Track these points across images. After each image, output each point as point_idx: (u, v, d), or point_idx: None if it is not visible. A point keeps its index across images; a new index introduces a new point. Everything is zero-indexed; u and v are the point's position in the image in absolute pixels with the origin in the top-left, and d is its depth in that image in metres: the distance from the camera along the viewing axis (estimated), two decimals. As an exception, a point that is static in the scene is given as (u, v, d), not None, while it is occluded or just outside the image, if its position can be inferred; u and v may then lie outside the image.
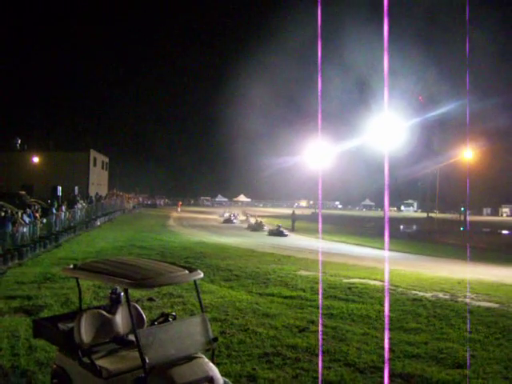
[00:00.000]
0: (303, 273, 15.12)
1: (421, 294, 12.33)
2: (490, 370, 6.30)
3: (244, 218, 49.50)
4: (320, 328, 8.30)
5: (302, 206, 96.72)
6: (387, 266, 19.75)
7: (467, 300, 11.80)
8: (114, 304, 5.63)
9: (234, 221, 46.49)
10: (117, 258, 5.84)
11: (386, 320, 9.32)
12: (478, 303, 11.47)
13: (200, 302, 5.23)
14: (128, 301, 4.76)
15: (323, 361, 6.60)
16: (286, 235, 35.00)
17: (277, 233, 35.50)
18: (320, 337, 7.72)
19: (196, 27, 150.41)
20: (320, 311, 9.70)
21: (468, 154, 45.92)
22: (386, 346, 7.51)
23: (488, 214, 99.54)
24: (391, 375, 6.12)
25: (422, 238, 41.46)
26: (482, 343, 7.78)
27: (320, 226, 39.20)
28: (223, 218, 49.31)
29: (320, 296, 11.33)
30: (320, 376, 6.00)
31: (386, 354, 6.94)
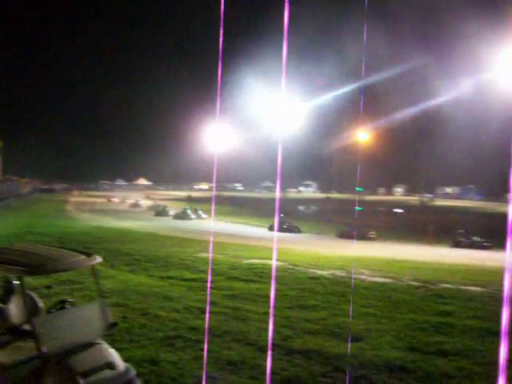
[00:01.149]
0: (204, 255, 15.15)
1: (319, 272, 12.74)
2: (382, 341, 6.63)
3: (151, 202, 48.83)
4: (208, 309, 8.36)
5: (203, 189, 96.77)
6: (275, 245, 20.21)
7: (363, 276, 12.35)
8: (7, 293, 5.35)
9: (139, 204, 45.76)
10: (10, 246, 5.53)
11: (271, 299, 9.54)
12: (372, 279, 12.03)
13: (98, 288, 5.09)
14: (22, 289, 4.53)
15: (224, 341, 6.65)
16: (192, 218, 34.97)
17: (183, 216, 35.37)
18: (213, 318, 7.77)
19: None
20: (208, 291, 9.77)
21: (361, 136, 47.67)
22: (271, 326, 7.69)
23: (383, 194, 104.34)
24: (291, 352, 6.28)
25: (320, 218, 42.81)
26: (376, 316, 8.16)
27: (214, 207, 39.33)
28: (128, 202, 48.39)
29: (209, 278, 11.40)
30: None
31: (270, 332, 7.10)
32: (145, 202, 48.20)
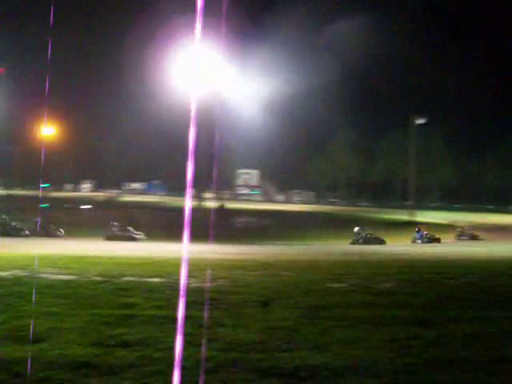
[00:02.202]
0: None
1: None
2: (66, 340, 6.54)
3: None
4: None
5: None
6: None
7: (45, 275, 11.93)
8: None
9: None
10: None
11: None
12: (57, 277, 11.73)
13: None
14: None
15: None
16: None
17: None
18: None
19: None
20: None
21: (47, 130, 45.97)
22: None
23: (69, 190, 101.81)
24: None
25: None
26: (61, 315, 7.99)
27: None
28: None
29: None
30: None
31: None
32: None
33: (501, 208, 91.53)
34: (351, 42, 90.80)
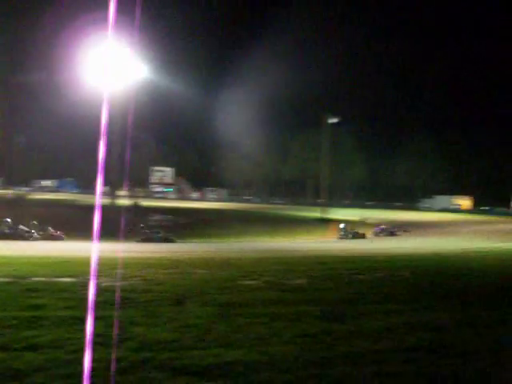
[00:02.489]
0: None
1: None
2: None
3: None
4: None
5: None
6: None
7: None
8: None
9: None
10: None
11: None
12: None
13: None
14: None
15: None
16: None
17: None
18: None
19: None
20: None
21: None
22: None
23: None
24: None
25: None
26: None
27: None
28: None
29: None
30: None
31: None
32: None
33: (410, 205, 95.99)
34: (264, 43, 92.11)
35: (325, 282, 11.63)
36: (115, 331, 6.33)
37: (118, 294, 8.60)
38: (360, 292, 10.36)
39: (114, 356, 5.43)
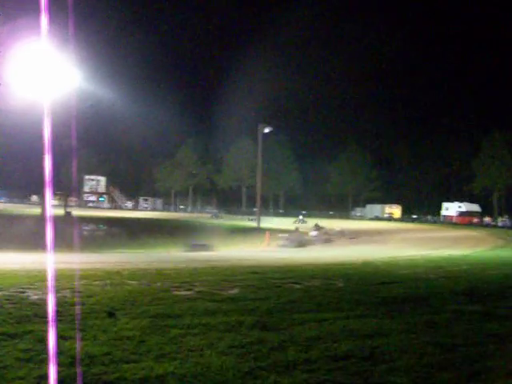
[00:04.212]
0: None
1: None
2: None
3: None
4: None
5: None
6: None
7: None
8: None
9: None
10: None
11: None
12: None
13: None
14: None
15: None
16: None
17: None
18: None
19: None
20: None
21: None
22: None
23: None
24: None
25: None
26: None
27: None
28: None
29: None
30: None
31: None
32: None
33: (342, 214, 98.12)
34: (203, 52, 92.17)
35: (258, 291, 11.69)
36: (44, 346, 6.15)
37: (47, 307, 8.35)
38: (293, 300, 10.48)
39: (42, 372, 5.28)
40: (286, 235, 41.02)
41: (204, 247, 35.05)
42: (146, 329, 7.62)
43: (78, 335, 7.07)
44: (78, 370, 5.59)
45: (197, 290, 11.59)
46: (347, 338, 7.48)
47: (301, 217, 41.31)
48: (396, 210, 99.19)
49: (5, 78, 35.34)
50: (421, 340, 7.56)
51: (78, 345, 6.57)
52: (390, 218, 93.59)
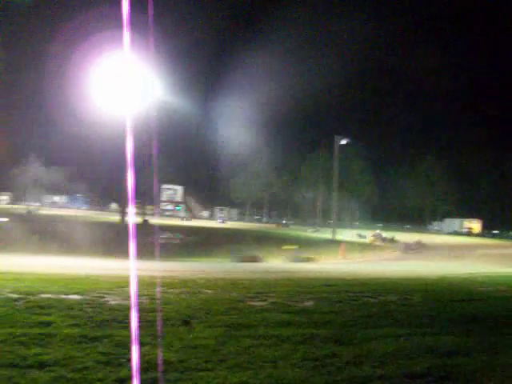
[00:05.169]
0: None
1: None
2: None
3: None
4: None
5: None
6: None
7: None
8: None
9: None
10: None
11: None
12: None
13: None
14: None
15: None
16: None
17: None
18: None
19: None
20: None
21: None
22: None
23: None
24: None
25: None
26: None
27: None
28: None
29: None
30: None
31: None
32: None
33: (419, 227, 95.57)
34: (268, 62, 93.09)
35: (332, 304, 11.54)
36: (122, 350, 6.31)
37: (125, 313, 8.58)
38: (368, 315, 10.27)
39: (120, 375, 5.41)
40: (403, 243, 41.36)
41: (304, 259, 36.26)
42: (220, 338, 7.67)
43: (155, 342, 7.22)
44: (153, 375, 5.70)
45: (271, 300, 11.59)
46: (424, 356, 7.23)
47: (378, 231, 40.73)
48: (475, 225, 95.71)
49: (89, 91, 36.92)
50: (503, 360, 7.20)
51: (155, 351, 6.71)
52: (469, 233, 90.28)
